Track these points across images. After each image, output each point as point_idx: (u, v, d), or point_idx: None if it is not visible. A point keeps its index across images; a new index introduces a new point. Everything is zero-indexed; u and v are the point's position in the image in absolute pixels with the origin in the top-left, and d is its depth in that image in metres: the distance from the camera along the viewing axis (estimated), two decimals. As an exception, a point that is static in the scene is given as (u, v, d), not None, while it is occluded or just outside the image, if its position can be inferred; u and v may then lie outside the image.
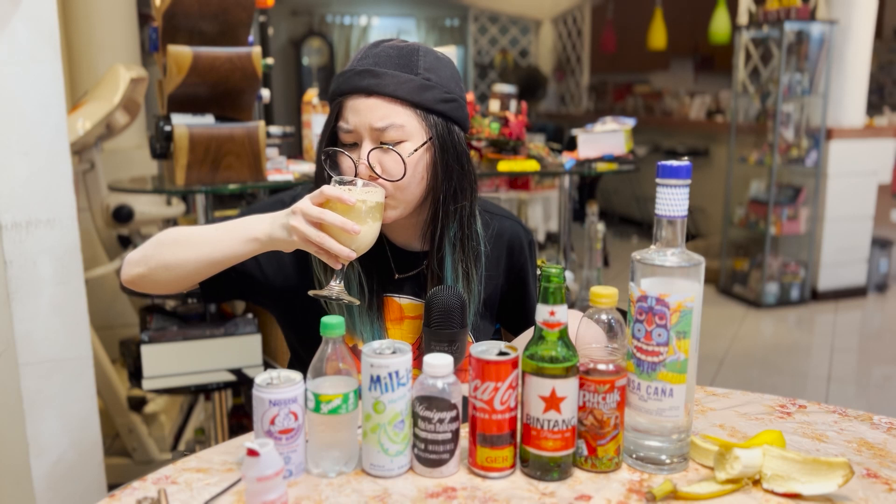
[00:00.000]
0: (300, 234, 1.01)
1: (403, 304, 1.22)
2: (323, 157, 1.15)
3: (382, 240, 1.22)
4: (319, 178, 1.17)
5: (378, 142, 1.11)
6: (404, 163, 1.10)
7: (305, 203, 1.02)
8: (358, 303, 1.09)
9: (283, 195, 1.26)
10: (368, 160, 1.10)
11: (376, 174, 1.11)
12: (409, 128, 1.11)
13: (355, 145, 1.13)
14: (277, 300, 1.25)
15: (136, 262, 1.15)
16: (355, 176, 1.11)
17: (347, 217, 1.01)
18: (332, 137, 1.15)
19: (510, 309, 1.32)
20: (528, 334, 1.23)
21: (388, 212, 1.13)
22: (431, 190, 1.15)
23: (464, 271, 1.19)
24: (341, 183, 1.04)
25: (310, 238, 1.01)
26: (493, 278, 1.27)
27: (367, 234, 1.04)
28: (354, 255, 1.03)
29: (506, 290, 1.30)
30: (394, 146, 1.10)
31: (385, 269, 1.22)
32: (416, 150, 1.11)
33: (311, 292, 1.08)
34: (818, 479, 0.86)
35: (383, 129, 1.10)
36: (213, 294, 1.21)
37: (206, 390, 2.12)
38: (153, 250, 1.14)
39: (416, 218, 1.20)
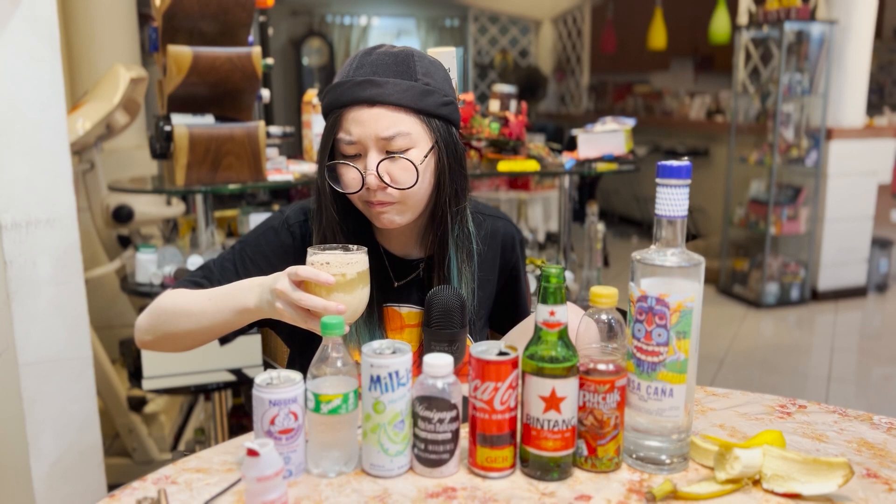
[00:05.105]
0: (288, 319, 1.00)
1: (404, 312, 1.22)
2: (326, 172, 1.12)
3: (380, 250, 1.21)
4: (321, 194, 1.15)
5: (385, 151, 1.10)
6: (417, 170, 1.09)
7: (285, 284, 0.98)
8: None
9: (273, 220, 1.24)
10: (378, 171, 1.09)
11: (386, 183, 1.10)
12: (414, 135, 1.10)
13: (357, 156, 1.12)
14: (284, 327, 1.23)
15: (144, 331, 1.18)
16: (362, 186, 1.09)
17: (332, 292, 0.97)
18: (330, 151, 1.13)
19: (501, 306, 1.33)
20: (517, 330, 1.23)
21: (396, 217, 1.13)
22: (435, 193, 1.15)
23: (464, 272, 1.20)
24: (316, 253, 0.99)
25: (298, 323, 1.00)
26: (489, 278, 1.28)
27: (355, 305, 1.00)
28: (347, 328, 0.97)
29: (498, 289, 1.31)
30: (401, 154, 1.10)
31: (384, 278, 1.21)
32: (425, 157, 1.11)
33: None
34: (818, 479, 0.86)
35: (390, 138, 1.09)
36: (229, 338, 1.21)
37: (205, 390, 2.12)
38: (155, 320, 1.16)
39: (413, 224, 1.19)
